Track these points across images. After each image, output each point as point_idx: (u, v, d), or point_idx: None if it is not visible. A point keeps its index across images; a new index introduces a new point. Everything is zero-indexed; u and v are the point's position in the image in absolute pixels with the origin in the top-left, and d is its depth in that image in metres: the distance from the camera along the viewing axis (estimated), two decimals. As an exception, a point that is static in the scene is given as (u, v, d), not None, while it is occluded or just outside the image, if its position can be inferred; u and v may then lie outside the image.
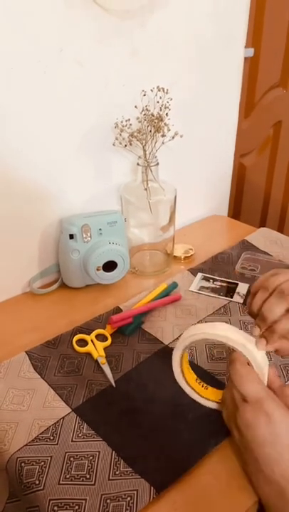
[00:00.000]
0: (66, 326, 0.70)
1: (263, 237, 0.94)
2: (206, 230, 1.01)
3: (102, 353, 0.64)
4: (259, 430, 0.44)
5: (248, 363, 0.48)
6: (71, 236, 0.74)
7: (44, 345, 0.66)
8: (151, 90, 0.75)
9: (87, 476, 0.48)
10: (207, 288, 0.79)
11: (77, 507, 0.45)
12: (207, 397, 0.54)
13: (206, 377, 0.58)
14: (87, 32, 0.68)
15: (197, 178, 1.00)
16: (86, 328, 0.69)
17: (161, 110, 0.74)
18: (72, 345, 0.66)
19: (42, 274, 0.81)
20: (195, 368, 0.59)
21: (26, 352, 0.64)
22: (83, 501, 0.46)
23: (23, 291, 0.80)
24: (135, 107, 0.75)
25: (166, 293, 0.77)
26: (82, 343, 0.67)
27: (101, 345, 0.66)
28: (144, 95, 0.75)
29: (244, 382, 0.47)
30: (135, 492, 0.46)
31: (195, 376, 0.55)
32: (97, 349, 0.65)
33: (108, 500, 0.46)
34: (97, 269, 0.75)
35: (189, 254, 0.89)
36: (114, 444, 0.51)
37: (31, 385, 0.60)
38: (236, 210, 1.31)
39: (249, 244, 0.92)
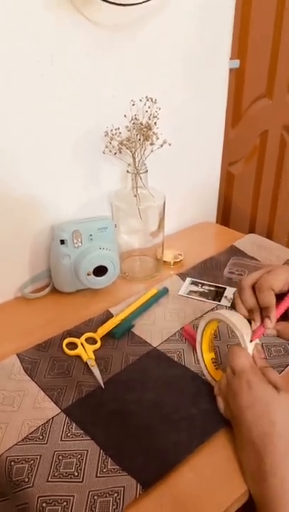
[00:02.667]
0: (57, 329, 0.71)
1: (250, 243, 0.97)
2: (195, 236, 1.03)
3: (92, 356, 0.66)
4: (242, 396, 0.51)
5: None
6: (62, 241, 0.76)
7: (35, 349, 0.67)
8: (140, 100, 0.77)
9: (75, 474, 0.49)
10: (196, 292, 0.81)
11: (65, 503, 0.46)
12: (213, 375, 0.61)
13: None
14: (78, 45, 0.70)
15: (186, 186, 1.02)
16: (76, 332, 0.71)
17: (149, 119, 0.77)
18: (62, 348, 0.67)
19: (33, 279, 0.82)
20: None
21: (17, 355, 0.65)
22: (71, 498, 0.47)
23: (15, 296, 0.81)
24: (124, 116, 0.77)
25: (156, 298, 0.79)
26: (73, 346, 0.68)
27: (91, 348, 0.67)
28: (133, 105, 0.77)
29: (234, 358, 0.55)
30: (122, 488, 0.47)
31: (213, 355, 0.63)
32: (86, 352, 0.66)
33: (95, 497, 0.47)
34: (88, 274, 0.76)
35: (178, 260, 0.91)
36: (102, 443, 0.53)
37: (22, 386, 0.61)
38: (225, 216, 1.33)
39: (237, 250, 0.94)
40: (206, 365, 0.62)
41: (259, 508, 0.46)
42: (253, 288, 0.57)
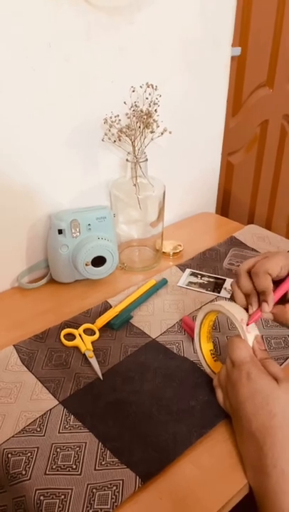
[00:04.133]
0: (54, 320, 0.70)
1: (250, 234, 0.96)
2: (195, 227, 1.02)
3: (90, 347, 0.65)
4: (241, 388, 0.50)
5: None
6: (60, 231, 0.75)
7: (32, 339, 0.66)
8: (141, 87, 0.75)
9: (74, 467, 0.49)
10: (195, 283, 0.80)
11: (63, 496, 0.46)
12: (212, 367, 0.60)
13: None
14: (76, 28, 0.68)
15: (185, 176, 1.00)
16: (74, 323, 0.70)
17: (150, 106, 0.75)
18: (60, 339, 0.66)
19: (31, 269, 0.81)
20: None
21: (14, 345, 0.64)
22: (69, 491, 0.46)
23: (12, 286, 0.80)
24: (124, 103, 0.75)
25: (155, 289, 0.78)
26: (70, 337, 0.67)
27: (89, 339, 0.66)
28: (133, 91, 0.75)
29: (234, 349, 0.53)
30: (121, 482, 0.47)
31: (211, 347, 0.62)
32: (84, 343, 0.65)
33: (94, 490, 0.46)
34: (86, 265, 0.75)
35: (178, 251, 0.90)
36: (101, 435, 0.52)
37: (19, 378, 0.60)
38: (224, 207, 1.32)
39: (237, 241, 0.93)
40: (204, 357, 0.61)
41: (259, 500, 0.46)
42: (250, 274, 0.56)
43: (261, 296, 0.54)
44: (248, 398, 0.49)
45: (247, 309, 0.55)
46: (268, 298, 0.53)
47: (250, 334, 0.55)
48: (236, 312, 0.55)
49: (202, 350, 0.61)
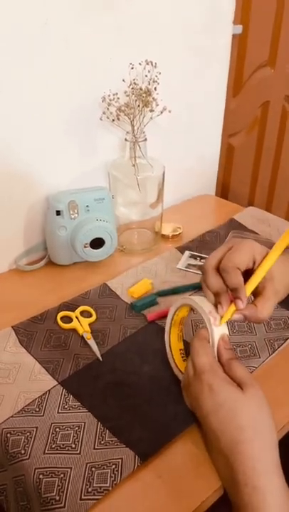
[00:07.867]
0: (53, 302, 0.70)
1: (250, 216, 0.95)
2: (195, 209, 1.01)
3: (88, 329, 0.64)
4: (203, 401, 0.46)
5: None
6: (58, 212, 0.74)
7: (30, 321, 0.66)
8: (140, 64, 0.74)
9: (73, 446, 0.49)
10: (194, 265, 0.80)
11: (62, 475, 0.46)
12: (180, 366, 0.56)
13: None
14: (73, 5, 0.66)
15: (185, 157, 0.99)
16: (73, 304, 0.69)
17: (149, 84, 0.73)
18: (58, 321, 0.66)
19: (29, 251, 0.80)
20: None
21: (12, 327, 0.64)
22: (68, 470, 0.46)
23: (10, 268, 0.79)
24: (123, 80, 0.73)
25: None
26: (68, 319, 0.66)
27: (86, 321, 0.66)
28: (132, 68, 0.73)
29: (194, 356, 0.49)
30: (120, 460, 0.47)
31: (181, 346, 0.58)
32: (82, 325, 0.65)
33: (93, 469, 0.46)
34: (85, 246, 0.74)
35: (177, 233, 0.89)
36: (100, 415, 0.52)
37: (17, 359, 0.60)
38: (224, 189, 1.31)
39: (237, 223, 0.92)
40: (173, 356, 0.57)
41: None
42: (218, 268, 0.51)
43: (233, 293, 0.50)
44: (212, 412, 0.45)
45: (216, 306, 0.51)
46: (241, 295, 0.49)
47: (218, 329, 0.50)
48: (205, 305, 0.51)
49: (171, 349, 0.57)
